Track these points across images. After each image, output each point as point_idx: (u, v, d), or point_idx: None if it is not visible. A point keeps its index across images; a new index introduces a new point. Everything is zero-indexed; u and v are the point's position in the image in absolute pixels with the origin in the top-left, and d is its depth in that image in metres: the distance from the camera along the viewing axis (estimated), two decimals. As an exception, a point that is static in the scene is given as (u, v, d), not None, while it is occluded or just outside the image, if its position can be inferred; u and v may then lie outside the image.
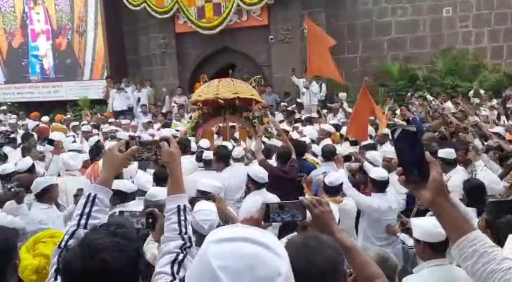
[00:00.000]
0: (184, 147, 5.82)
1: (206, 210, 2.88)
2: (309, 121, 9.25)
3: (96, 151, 6.25)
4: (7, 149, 7.25)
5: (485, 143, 6.20)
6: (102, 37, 14.40)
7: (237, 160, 5.90)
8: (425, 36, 13.24)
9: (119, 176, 4.38)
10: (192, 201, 2.88)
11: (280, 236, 3.42)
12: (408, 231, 4.09)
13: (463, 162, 5.13)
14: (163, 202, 1.98)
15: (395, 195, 4.55)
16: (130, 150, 1.82)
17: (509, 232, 2.12)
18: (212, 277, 0.91)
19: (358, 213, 4.48)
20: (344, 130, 7.55)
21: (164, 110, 12.37)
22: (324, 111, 10.72)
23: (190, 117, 9.41)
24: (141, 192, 4.33)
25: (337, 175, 4.41)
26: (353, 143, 6.83)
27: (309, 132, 7.36)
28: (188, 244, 1.69)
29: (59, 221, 4.13)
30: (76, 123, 10.16)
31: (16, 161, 5.87)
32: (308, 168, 5.51)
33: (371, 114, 7.42)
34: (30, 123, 10.78)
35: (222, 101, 7.47)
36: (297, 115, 10.24)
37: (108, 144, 6.73)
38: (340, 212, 3.25)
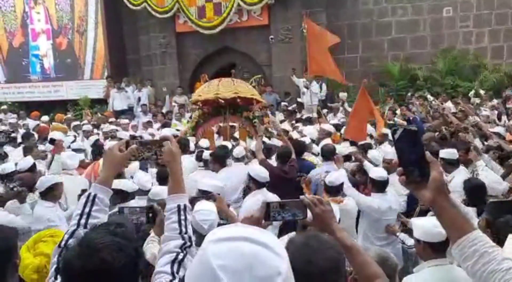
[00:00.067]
0: (184, 147, 5.82)
1: (206, 210, 2.88)
2: (309, 121, 9.25)
3: (98, 151, 6.28)
4: (7, 148, 7.28)
5: (485, 143, 6.20)
6: (103, 36, 14.41)
7: (237, 159, 5.90)
8: (425, 36, 13.24)
9: (120, 176, 4.40)
10: (192, 201, 2.88)
11: (279, 235, 3.42)
12: (408, 231, 4.10)
13: (464, 161, 5.12)
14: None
15: (395, 195, 4.55)
16: (129, 149, 1.83)
17: (509, 231, 2.13)
18: (211, 276, 0.91)
19: (358, 213, 4.48)
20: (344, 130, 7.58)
21: (164, 110, 12.37)
22: (325, 111, 10.72)
23: (190, 117, 9.41)
24: (141, 192, 4.34)
25: (337, 174, 4.41)
26: (353, 143, 6.83)
27: (309, 132, 7.36)
28: (188, 243, 1.69)
29: (64, 219, 4.14)
30: (78, 123, 10.18)
31: (16, 160, 5.89)
32: (307, 167, 5.51)
33: (369, 115, 7.43)
34: (31, 123, 10.79)
35: (222, 102, 7.47)
36: (297, 115, 10.24)
37: (108, 144, 6.73)
38: (341, 212, 3.25)
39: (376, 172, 4.49)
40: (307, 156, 6.02)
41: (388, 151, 5.52)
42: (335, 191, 4.23)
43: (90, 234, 1.44)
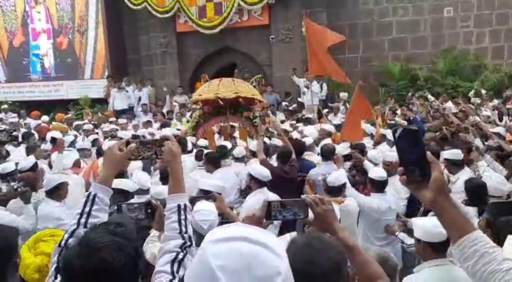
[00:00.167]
0: (182, 146, 5.82)
1: (205, 210, 2.88)
2: (307, 121, 9.26)
3: (97, 151, 6.31)
4: (9, 147, 7.30)
5: (486, 143, 6.19)
6: (103, 36, 14.41)
7: (237, 159, 5.90)
8: (426, 36, 13.23)
9: (123, 175, 4.41)
10: (192, 201, 2.88)
11: (279, 234, 3.42)
12: (408, 231, 4.09)
13: (465, 162, 5.11)
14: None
15: (395, 195, 4.54)
16: (128, 147, 1.83)
17: (509, 232, 2.12)
18: (210, 276, 0.91)
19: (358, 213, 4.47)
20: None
21: (165, 110, 12.39)
22: (325, 111, 10.72)
23: (190, 116, 9.42)
24: (140, 191, 4.35)
25: (338, 175, 4.40)
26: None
27: (310, 132, 7.36)
28: (188, 243, 1.69)
29: (71, 218, 4.14)
30: (80, 122, 10.20)
31: (18, 159, 5.92)
32: (307, 167, 5.51)
33: (366, 116, 7.47)
34: (33, 123, 10.82)
35: (221, 102, 7.49)
36: (298, 115, 10.23)
37: (105, 143, 6.74)
38: (342, 213, 3.24)
39: (376, 172, 4.49)
40: (309, 156, 6.01)
41: (387, 152, 5.49)
42: (336, 191, 4.22)
43: (90, 233, 1.43)
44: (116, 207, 2.70)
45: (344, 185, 4.27)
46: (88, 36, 14.69)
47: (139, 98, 13.39)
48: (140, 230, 2.84)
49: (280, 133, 6.26)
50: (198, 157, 6.00)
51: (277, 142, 6.47)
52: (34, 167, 5.21)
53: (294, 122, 9.28)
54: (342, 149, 6.03)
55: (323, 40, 8.90)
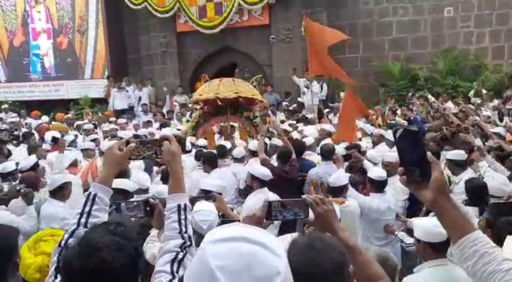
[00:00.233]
0: (181, 146, 5.81)
1: (205, 210, 2.88)
2: (306, 121, 9.26)
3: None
4: (9, 147, 7.30)
5: (486, 143, 6.19)
6: (103, 36, 14.42)
7: (236, 159, 5.90)
8: (426, 36, 13.23)
9: (125, 175, 4.42)
10: (193, 201, 2.88)
11: (279, 234, 3.41)
12: (409, 231, 4.09)
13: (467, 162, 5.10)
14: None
15: (394, 195, 4.54)
16: (128, 147, 1.83)
17: (510, 232, 2.12)
18: (210, 276, 0.91)
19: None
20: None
21: (165, 110, 12.40)
22: (326, 110, 10.71)
23: (190, 116, 9.42)
24: (140, 190, 4.35)
25: (339, 175, 4.39)
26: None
27: (310, 132, 7.37)
28: (188, 243, 1.69)
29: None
30: (81, 122, 10.20)
31: (19, 158, 5.92)
32: (307, 166, 5.50)
33: (361, 114, 7.50)
34: (33, 123, 10.83)
35: (220, 102, 7.49)
36: (299, 115, 10.23)
37: (103, 143, 6.74)
38: (343, 213, 3.23)
39: (375, 172, 4.48)
40: (309, 156, 6.01)
41: (387, 153, 5.48)
42: (338, 191, 4.20)
43: (90, 233, 1.43)
44: (115, 207, 2.70)
45: (346, 185, 4.24)
46: (88, 36, 14.70)
47: (139, 98, 13.40)
48: (142, 228, 2.84)
49: (280, 133, 6.26)
50: (197, 157, 6.00)
51: (277, 141, 6.47)
52: (35, 167, 5.21)
53: (294, 122, 9.28)
54: (342, 149, 6.03)
55: (324, 39, 8.87)
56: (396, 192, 4.65)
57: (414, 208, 4.71)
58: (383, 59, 13.30)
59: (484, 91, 11.37)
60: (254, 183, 4.40)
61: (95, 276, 1.32)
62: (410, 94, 11.97)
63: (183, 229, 1.71)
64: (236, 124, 8.02)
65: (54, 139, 6.99)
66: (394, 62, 13.23)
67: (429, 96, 11.21)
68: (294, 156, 5.35)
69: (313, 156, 6.03)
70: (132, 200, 2.32)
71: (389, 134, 6.51)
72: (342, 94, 11.70)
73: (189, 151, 6.27)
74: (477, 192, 3.88)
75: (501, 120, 8.70)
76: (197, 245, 1.31)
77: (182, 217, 1.74)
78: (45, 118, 11.62)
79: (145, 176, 4.92)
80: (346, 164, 5.51)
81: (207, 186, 3.82)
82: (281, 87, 13.02)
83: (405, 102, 11.32)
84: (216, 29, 12.97)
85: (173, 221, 1.73)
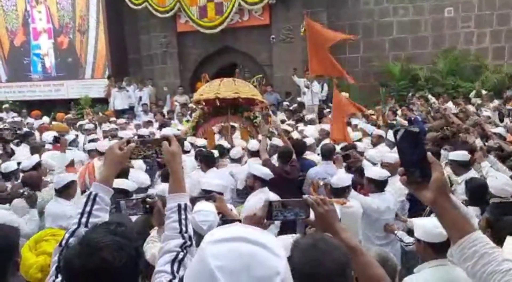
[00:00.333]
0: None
1: (205, 211, 2.87)
2: (303, 121, 9.26)
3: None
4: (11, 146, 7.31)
5: (486, 144, 6.18)
6: (104, 36, 14.42)
7: (234, 160, 5.89)
8: (426, 36, 13.22)
9: (126, 174, 4.42)
10: (193, 201, 2.88)
11: (279, 234, 3.41)
12: (408, 230, 4.09)
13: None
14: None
15: (393, 195, 4.53)
16: (128, 146, 1.83)
17: (511, 232, 2.12)
18: (209, 276, 0.91)
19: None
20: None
21: (165, 110, 12.40)
22: (327, 110, 10.71)
23: (190, 116, 9.42)
24: (139, 189, 4.36)
25: (342, 176, 4.37)
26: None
27: (310, 133, 7.37)
28: (189, 242, 1.69)
29: None
30: (83, 122, 10.21)
31: (20, 157, 5.93)
32: (308, 166, 5.50)
33: (349, 112, 7.57)
34: (36, 123, 10.83)
35: (218, 103, 7.49)
36: (300, 115, 10.22)
37: (100, 143, 6.73)
38: (346, 214, 3.22)
39: (376, 172, 4.48)
40: (309, 156, 6.01)
41: (386, 154, 5.47)
42: (340, 192, 4.18)
43: (90, 233, 1.44)
44: (114, 205, 2.71)
45: (348, 186, 4.21)
46: (88, 36, 14.70)
47: (140, 98, 13.40)
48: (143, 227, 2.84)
49: (280, 133, 6.26)
50: (197, 157, 6.00)
51: (277, 142, 6.48)
52: (37, 166, 5.22)
53: (293, 122, 9.27)
54: (338, 149, 6.03)
55: (325, 39, 8.86)
56: (396, 191, 4.64)
57: (415, 208, 4.70)
58: (384, 59, 13.30)
59: (483, 91, 11.36)
60: (255, 183, 4.40)
61: (96, 276, 1.32)
62: (410, 94, 11.97)
63: (184, 228, 1.72)
64: (236, 125, 8.02)
65: (56, 139, 6.99)
66: (394, 62, 13.23)
67: (430, 96, 11.22)
68: (294, 156, 5.35)
69: (313, 156, 6.03)
70: (131, 198, 2.33)
71: (389, 134, 6.51)
72: (343, 94, 11.70)
73: (188, 151, 6.27)
74: (477, 192, 3.88)
75: (501, 120, 8.69)
76: (197, 245, 1.32)
77: (183, 216, 1.74)
78: (45, 119, 11.62)
79: (144, 175, 4.93)
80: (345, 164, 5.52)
81: (208, 186, 3.82)
82: (282, 87, 13.01)
83: (405, 103, 11.32)
84: (217, 29, 12.97)
85: (174, 220, 1.73)
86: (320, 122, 9.17)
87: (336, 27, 12.36)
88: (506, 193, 3.81)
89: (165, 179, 4.56)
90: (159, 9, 13.24)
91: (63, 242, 1.66)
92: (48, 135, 7.63)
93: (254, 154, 5.87)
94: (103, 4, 14.30)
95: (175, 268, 1.61)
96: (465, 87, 12.37)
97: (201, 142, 6.88)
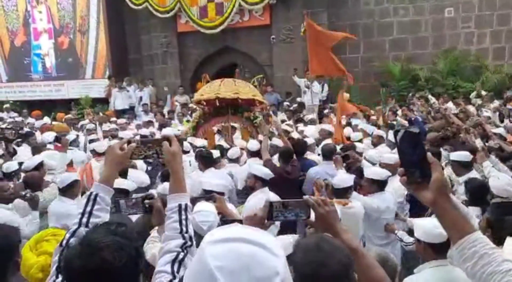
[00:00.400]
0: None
1: (205, 211, 2.87)
2: (302, 121, 9.26)
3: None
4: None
5: (486, 144, 6.18)
6: (104, 36, 14.43)
7: (231, 160, 5.89)
8: (427, 36, 13.22)
9: (125, 174, 4.42)
10: (193, 201, 2.87)
11: (278, 234, 3.41)
12: (409, 231, 4.09)
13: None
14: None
15: (393, 194, 4.53)
16: (129, 146, 1.83)
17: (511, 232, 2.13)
18: (209, 277, 0.92)
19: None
20: (345, 130, 7.60)
21: (166, 110, 12.40)
22: (327, 110, 10.71)
23: (191, 116, 9.41)
24: (139, 189, 4.37)
25: (344, 177, 4.36)
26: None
27: (310, 133, 7.37)
28: (189, 243, 1.69)
29: None
30: (85, 122, 10.22)
31: (22, 157, 5.93)
32: (308, 166, 5.50)
33: (345, 113, 7.62)
34: (37, 122, 10.84)
35: (218, 103, 7.49)
36: (300, 115, 10.23)
37: (97, 143, 6.73)
38: (347, 215, 3.22)
39: (376, 172, 4.48)
40: (310, 156, 6.01)
41: (385, 154, 5.46)
42: (342, 193, 4.16)
43: (91, 233, 1.44)
44: (113, 205, 2.71)
45: (350, 187, 4.18)
46: (89, 36, 14.71)
47: (140, 98, 13.40)
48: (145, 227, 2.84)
49: (280, 133, 6.27)
50: (196, 157, 6.00)
51: (277, 142, 6.48)
52: (39, 166, 5.22)
53: (293, 123, 9.27)
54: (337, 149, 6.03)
55: (326, 39, 8.85)
56: (395, 192, 4.64)
57: (415, 209, 4.70)
58: (384, 59, 13.30)
59: (483, 92, 11.36)
60: (256, 183, 4.39)
61: (96, 276, 1.32)
62: (410, 94, 11.95)
63: (184, 229, 1.72)
64: (237, 125, 8.02)
65: (57, 139, 7.00)
66: (394, 62, 13.23)
67: (430, 96, 11.21)
68: (294, 156, 5.35)
69: (312, 156, 6.03)
70: (130, 197, 2.33)
71: (390, 135, 6.51)
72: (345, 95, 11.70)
73: (188, 152, 6.27)
74: (477, 192, 3.88)
75: (501, 121, 8.69)
76: (197, 246, 1.32)
77: (183, 217, 1.74)
78: (46, 119, 11.62)
79: (144, 175, 4.93)
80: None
81: (210, 186, 3.82)
82: (282, 88, 13.01)
83: (405, 103, 11.32)
84: (217, 29, 12.98)
85: (174, 221, 1.73)
86: (320, 123, 9.16)
87: (336, 27, 12.37)
88: (508, 193, 3.81)
89: (165, 178, 4.56)
90: (159, 9, 13.24)
91: (64, 242, 1.66)
92: (49, 136, 7.63)
93: (254, 154, 5.86)
94: (104, 4, 14.31)
95: (175, 268, 1.61)
96: (465, 87, 12.37)
97: (200, 142, 6.88)
